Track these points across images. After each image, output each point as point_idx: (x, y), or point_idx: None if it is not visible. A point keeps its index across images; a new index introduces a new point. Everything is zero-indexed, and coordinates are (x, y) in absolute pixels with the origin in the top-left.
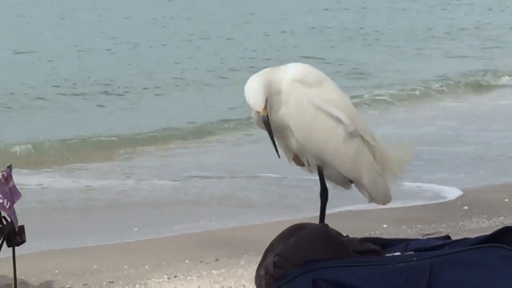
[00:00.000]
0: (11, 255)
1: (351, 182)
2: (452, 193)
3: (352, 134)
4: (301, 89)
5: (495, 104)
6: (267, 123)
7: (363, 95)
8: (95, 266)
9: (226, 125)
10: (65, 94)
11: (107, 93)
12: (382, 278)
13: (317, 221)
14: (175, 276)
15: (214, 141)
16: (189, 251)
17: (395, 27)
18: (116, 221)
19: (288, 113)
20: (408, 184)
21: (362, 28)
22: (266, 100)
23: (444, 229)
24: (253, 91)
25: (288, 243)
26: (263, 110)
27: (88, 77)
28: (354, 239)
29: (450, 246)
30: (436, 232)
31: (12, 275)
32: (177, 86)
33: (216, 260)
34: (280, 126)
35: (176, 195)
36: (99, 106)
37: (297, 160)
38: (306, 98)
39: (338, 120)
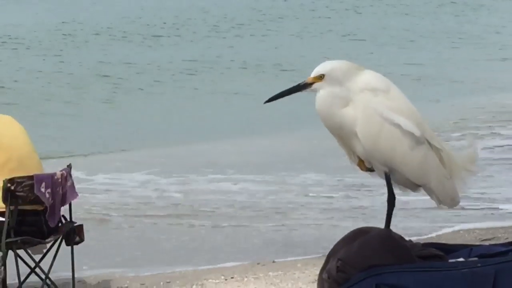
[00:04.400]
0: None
1: (419, 186)
2: None
3: (419, 141)
4: (369, 98)
5: None
6: (301, 86)
7: None
8: (152, 266)
9: None
10: None
11: None
12: (446, 283)
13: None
14: (231, 277)
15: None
16: (246, 252)
17: None
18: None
19: (355, 120)
20: None
21: None
22: (323, 77)
23: None
24: (331, 62)
25: (351, 248)
26: (314, 78)
27: None
28: (417, 244)
29: None
30: None
31: (70, 273)
32: None
33: (273, 262)
34: (346, 130)
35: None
36: None
37: (362, 165)
38: (373, 107)
39: (405, 128)
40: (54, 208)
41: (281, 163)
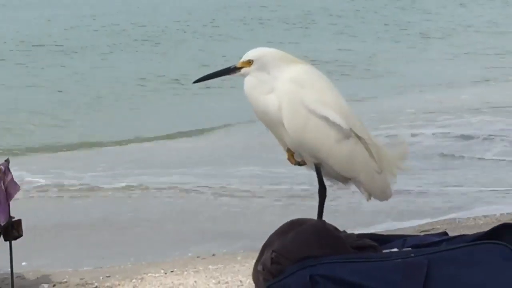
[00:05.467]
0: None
1: (349, 179)
2: None
3: (346, 135)
4: (295, 89)
5: None
6: (231, 69)
7: None
8: (92, 260)
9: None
10: None
11: None
12: (380, 274)
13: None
14: (171, 271)
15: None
16: (186, 246)
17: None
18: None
19: (279, 108)
20: None
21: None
22: (252, 63)
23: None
24: (260, 49)
25: (285, 239)
26: (242, 62)
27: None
28: (351, 235)
29: (448, 243)
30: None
31: (9, 269)
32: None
33: (213, 255)
34: (272, 118)
35: (173, 189)
36: None
37: (292, 159)
38: (299, 99)
39: (332, 121)
40: (0, 204)
41: (215, 158)
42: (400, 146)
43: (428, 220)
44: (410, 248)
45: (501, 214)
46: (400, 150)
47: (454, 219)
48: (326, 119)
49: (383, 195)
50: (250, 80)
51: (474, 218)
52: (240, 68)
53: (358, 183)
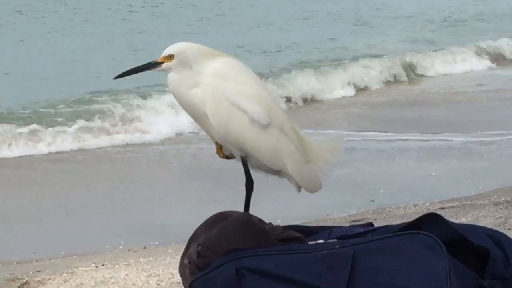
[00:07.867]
0: None
1: (277, 171)
2: None
3: (269, 127)
4: (218, 82)
5: None
6: (151, 64)
7: None
8: (22, 254)
9: None
10: None
11: None
12: (305, 266)
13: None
14: (102, 265)
15: None
16: (117, 239)
17: None
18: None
19: (204, 102)
20: None
21: None
22: (172, 57)
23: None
24: (180, 44)
25: (211, 232)
26: (163, 57)
27: None
28: (277, 227)
29: (373, 234)
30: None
31: None
32: None
33: (144, 248)
34: (198, 111)
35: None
36: None
37: (220, 152)
38: (221, 92)
39: (253, 114)
40: None
41: None
42: (335, 140)
43: (357, 210)
44: (335, 240)
45: (430, 203)
46: (332, 143)
47: (384, 208)
48: (247, 111)
49: (313, 186)
50: (174, 76)
51: (404, 207)
52: (161, 63)
53: (287, 175)
